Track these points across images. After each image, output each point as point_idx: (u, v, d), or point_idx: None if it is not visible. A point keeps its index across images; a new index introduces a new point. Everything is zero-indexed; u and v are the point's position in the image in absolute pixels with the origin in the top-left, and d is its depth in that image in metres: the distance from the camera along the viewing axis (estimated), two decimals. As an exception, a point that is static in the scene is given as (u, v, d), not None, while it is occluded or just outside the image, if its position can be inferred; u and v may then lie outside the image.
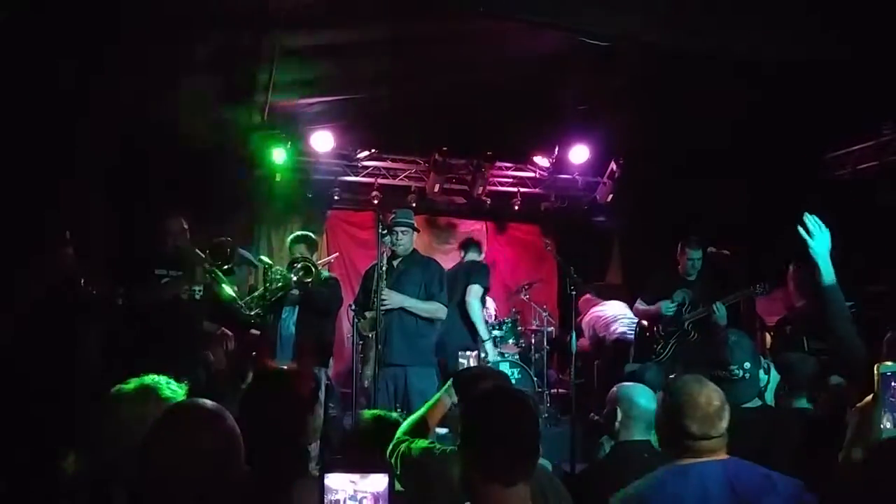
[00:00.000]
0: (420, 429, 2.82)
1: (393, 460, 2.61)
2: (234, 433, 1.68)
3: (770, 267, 6.13)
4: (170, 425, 1.68)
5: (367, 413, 3.01)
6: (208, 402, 1.76)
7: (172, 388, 2.17)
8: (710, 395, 2.31)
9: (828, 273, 2.75)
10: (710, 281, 6.16)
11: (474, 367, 4.62)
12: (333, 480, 1.41)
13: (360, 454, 2.66)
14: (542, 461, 2.91)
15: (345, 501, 1.39)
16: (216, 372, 5.60)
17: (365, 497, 1.39)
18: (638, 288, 6.94)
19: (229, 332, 6.01)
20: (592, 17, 4.89)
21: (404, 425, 2.89)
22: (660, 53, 5.76)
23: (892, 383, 1.88)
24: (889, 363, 1.90)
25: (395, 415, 2.83)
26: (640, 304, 6.31)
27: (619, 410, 3.13)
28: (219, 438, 1.64)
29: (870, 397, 1.90)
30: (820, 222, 2.89)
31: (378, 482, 1.40)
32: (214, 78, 6.14)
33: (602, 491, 2.52)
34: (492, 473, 1.82)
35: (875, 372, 1.89)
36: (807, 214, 2.88)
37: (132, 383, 2.17)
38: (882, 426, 1.85)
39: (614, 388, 3.30)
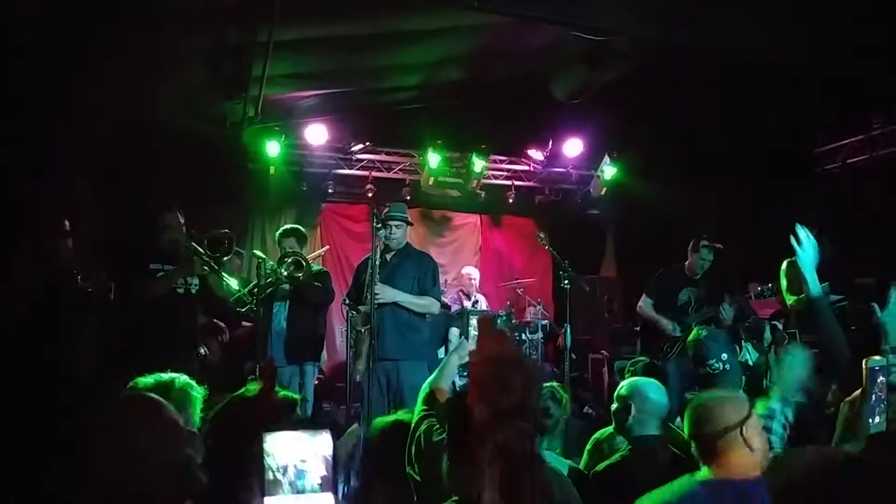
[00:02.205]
0: (432, 400, 2.79)
1: (411, 447, 2.57)
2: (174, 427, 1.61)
3: (763, 261, 6.16)
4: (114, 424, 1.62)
5: (384, 419, 2.87)
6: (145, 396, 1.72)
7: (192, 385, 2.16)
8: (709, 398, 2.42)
9: (814, 285, 2.77)
10: (716, 280, 6.17)
11: None
12: (281, 441, 1.29)
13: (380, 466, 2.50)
14: (555, 461, 2.91)
15: (294, 467, 1.28)
16: (211, 365, 5.60)
17: (315, 461, 1.29)
18: (635, 281, 6.95)
19: (223, 325, 6.01)
20: (586, 12, 4.90)
21: (422, 392, 2.85)
22: (654, 48, 5.77)
23: (880, 378, 1.90)
24: (877, 357, 1.92)
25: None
26: (644, 304, 6.28)
27: (632, 406, 3.12)
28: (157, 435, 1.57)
29: (858, 391, 1.92)
30: (809, 233, 2.89)
31: (324, 443, 1.30)
32: (208, 71, 6.12)
33: (626, 487, 2.53)
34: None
35: (863, 367, 1.91)
36: (798, 224, 2.89)
37: (150, 379, 2.16)
38: (870, 420, 1.87)
39: (623, 384, 3.28)
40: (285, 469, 1.28)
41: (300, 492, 1.28)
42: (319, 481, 1.28)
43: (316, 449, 1.30)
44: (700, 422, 2.37)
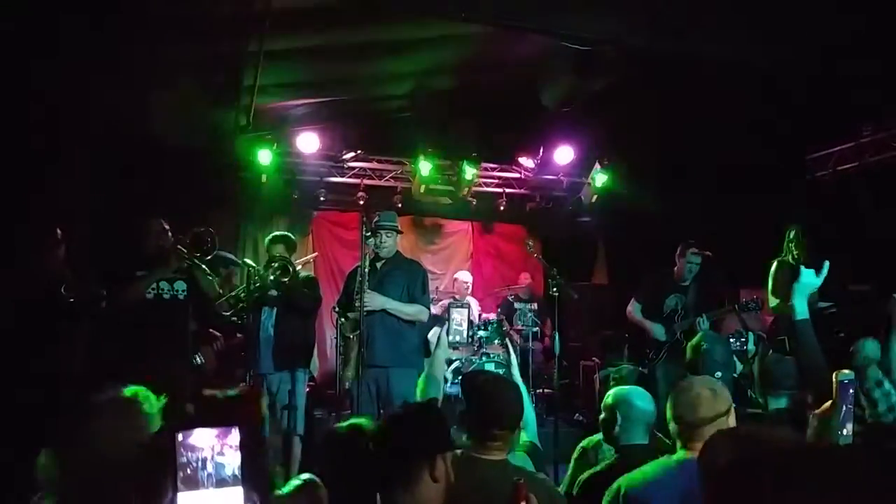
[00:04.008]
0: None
1: None
2: None
3: (753, 269, 6.19)
4: None
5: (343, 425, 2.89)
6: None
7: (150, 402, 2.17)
8: (699, 386, 2.54)
9: (801, 310, 2.81)
10: (704, 288, 6.19)
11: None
12: (197, 438, 1.31)
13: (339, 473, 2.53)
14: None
15: (212, 459, 1.30)
16: (206, 373, 5.59)
17: (229, 450, 1.31)
18: (626, 288, 6.97)
19: (218, 333, 5.99)
20: (573, 22, 4.93)
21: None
22: (642, 56, 5.81)
23: (850, 391, 1.93)
24: (846, 371, 1.95)
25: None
26: (633, 308, 6.31)
27: (618, 414, 3.14)
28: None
29: (828, 404, 1.94)
30: (825, 270, 2.95)
31: (234, 437, 1.32)
32: (200, 80, 6.14)
33: None
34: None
35: (833, 379, 1.93)
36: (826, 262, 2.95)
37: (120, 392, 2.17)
38: (839, 433, 1.89)
39: (609, 393, 3.31)
40: (205, 462, 1.30)
41: (217, 485, 1.29)
42: (233, 474, 1.30)
43: (228, 442, 1.32)
44: (690, 408, 2.48)
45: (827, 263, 2.97)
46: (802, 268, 2.93)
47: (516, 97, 6.96)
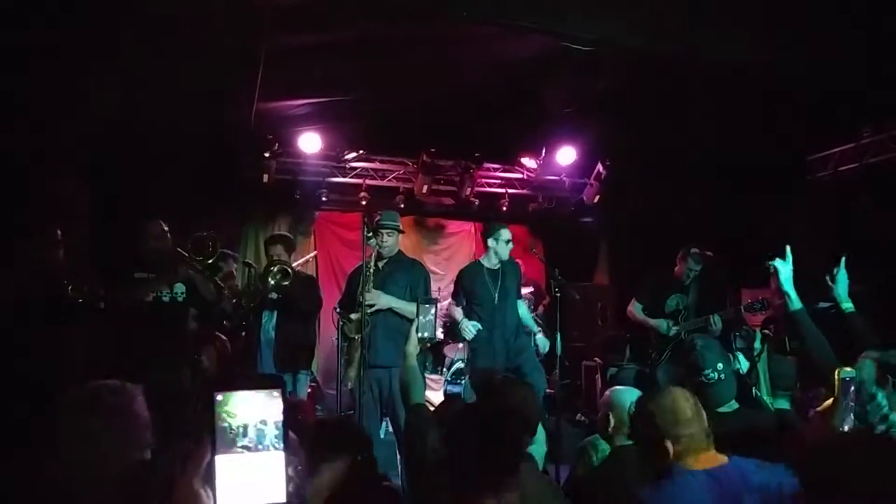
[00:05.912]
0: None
1: None
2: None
3: (753, 267, 6.19)
4: None
5: None
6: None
7: None
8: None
9: (795, 300, 2.85)
10: (706, 288, 6.20)
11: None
12: (236, 404, 1.24)
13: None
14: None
15: (255, 426, 1.25)
16: (210, 375, 5.60)
17: (269, 422, 1.25)
18: (628, 288, 6.98)
19: (223, 336, 6.01)
20: (574, 23, 4.93)
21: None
22: (643, 57, 5.81)
23: (851, 388, 1.94)
24: (848, 368, 1.97)
25: None
26: (634, 308, 6.32)
27: (611, 416, 3.16)
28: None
29: (830, 401, 1.96)
30: (790, 252, 3.00)
31: (277, 407, 1.26)
32: (202, 79, 6.15)
33: (599, 496, 2.56)
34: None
35: (835, 377, 1.95)
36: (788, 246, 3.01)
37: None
38: (841, 429, 1.91)
39: (606, 393, 3.35)
40: (245, 429, 1.25)
41: (256, 450, 1.27)
42: (274, 440, 1.27)
43: (270, 411, 1.29)
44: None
45: (788, 248, 3.03)
46: (777, 261, 2.99)
47: (519, 97, 6.96)
